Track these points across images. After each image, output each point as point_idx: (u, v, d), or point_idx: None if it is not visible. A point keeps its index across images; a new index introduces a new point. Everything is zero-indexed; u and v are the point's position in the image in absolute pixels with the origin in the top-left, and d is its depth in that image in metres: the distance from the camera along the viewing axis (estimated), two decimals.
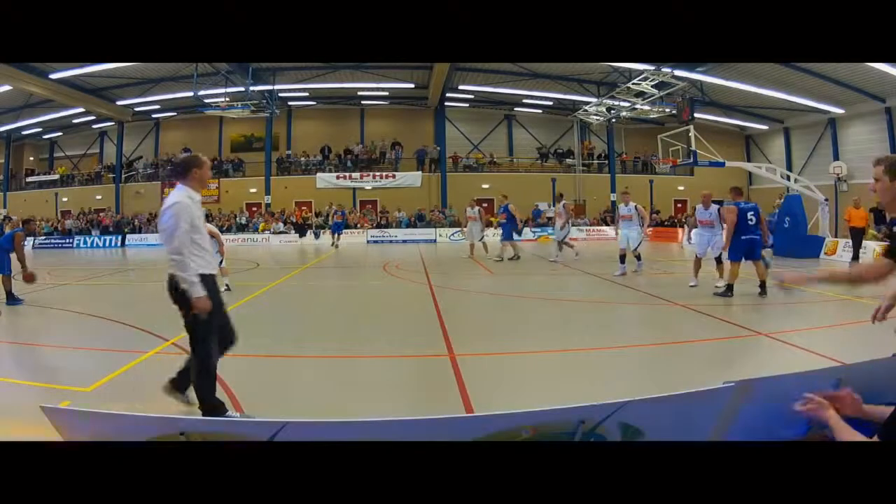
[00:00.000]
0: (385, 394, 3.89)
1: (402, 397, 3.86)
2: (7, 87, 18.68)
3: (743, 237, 7.47)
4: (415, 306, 7.47)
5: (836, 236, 15.15)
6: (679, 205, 25.87)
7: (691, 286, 8.30)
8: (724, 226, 7.84)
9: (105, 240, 22.63)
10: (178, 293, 3.10)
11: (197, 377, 3.19)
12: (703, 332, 5.59)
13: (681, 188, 26.14)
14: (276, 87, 21.96)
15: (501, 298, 8.16)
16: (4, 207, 25.92)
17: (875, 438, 1.53)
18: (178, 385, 3.40)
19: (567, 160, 26.27)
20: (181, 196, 3.18)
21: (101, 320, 6.46)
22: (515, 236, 13.69)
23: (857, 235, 12.58)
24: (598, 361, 4.54)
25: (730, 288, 7.45)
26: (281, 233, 22.75)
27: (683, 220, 23.09)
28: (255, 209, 24.98)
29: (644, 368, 4.41)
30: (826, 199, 16.09)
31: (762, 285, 7.49)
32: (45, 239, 22.82)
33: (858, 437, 1.55)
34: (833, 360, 4.17)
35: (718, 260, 8.25)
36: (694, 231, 8.85)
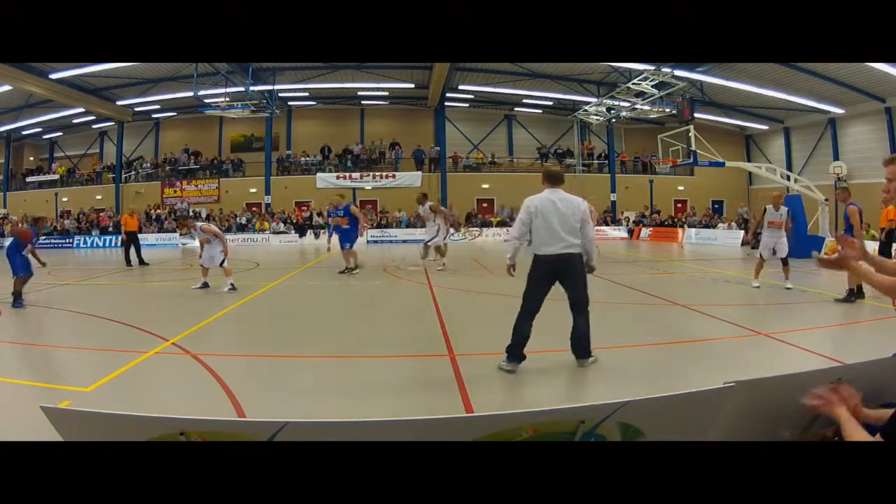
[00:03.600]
0: (385, 394, 3.89)
1: (402, 397, 3.86)
2: (7, 87, 18.69)
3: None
4: (415, 306, 7.47)
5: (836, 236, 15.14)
6: (679, 205, 25.89)
7: (755, 287, 8.31)
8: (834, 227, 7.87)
9: (105, 240, 22.62)
10: (584, 265, 4.24)
11: (588, 328, 4.23)
12: (703, 332, 5.59)
13: (681, 188, 26.17)
14: (276, 87, 21.97)
15: (501, 298, 8.14)
16: (4, 207, 25.93)
17: (877, 438, 1.53)
18: (582, 353, 4.25)
19: (567, 160, 26.28)
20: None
21: (101, 320, 6.46)
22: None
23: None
24: (598, 361, 4.53)
25: (851, 293, 7.14)
26: (281, 233, 22.75)
27: (683, 220, 23.10)
28: (255, 209, 25.00)
29: (644, 368, 4.41)
30: (826, 199, 16.09)
31: (859, 288, 7.20)
32: (44, 239, 22.82)
33: (867, 437, 1.54)
34: (833, 360, 4.17)
35: (785, 262, 8.34)
36: (763, 231, 8.71)
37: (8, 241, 8.01)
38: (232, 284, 8.44)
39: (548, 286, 4.24)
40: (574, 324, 4.26)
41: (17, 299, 7.38)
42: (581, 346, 4.26)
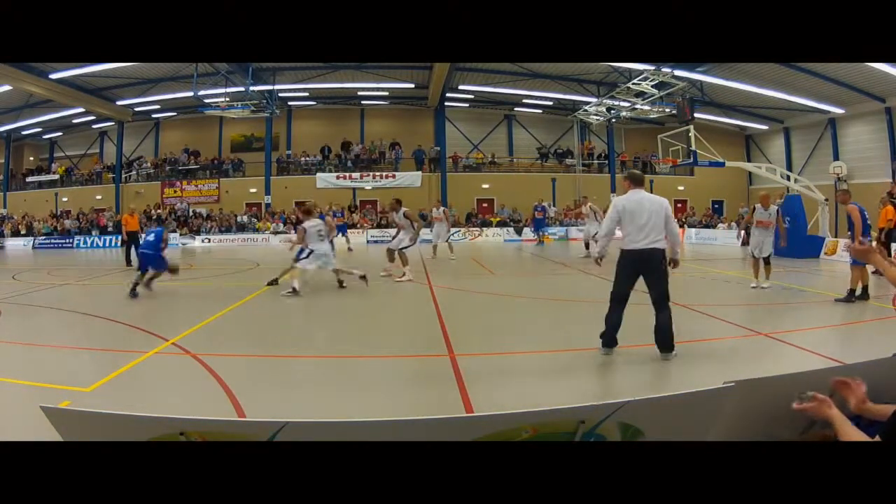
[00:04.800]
0: (385, 394, 3.89)
1: (402, 397, 3.86)
2: (7, 87, 18.67)
3: (867, 238, 7.30)
4: (415, 306, 7.47)
5: (836, 236, 15.15)
6: (679, 205, 25.86)
7: (752, 287, 8.34)
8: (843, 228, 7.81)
9: (105, 240, 22.62)
10: (665, 260, 4.51)
11: (670, 322, 4.46)
12: (703, 332, 5.59)
13: (681, 188, 26.15)
14: (276, 87, 21.94)
15: (501, 298, 8.15)
16: (4, 207, 25.93)
17: (876, 439, 1.53)
18: (665, 347, 4.46)
19: (567, 160, 26.28)
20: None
21: (101, 320, 6.45)
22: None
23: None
24: (598, 361, 4.53)
25: (852, 293, 7.08)
26: (280, 233, 22.73)
27: (683, 220, 23.09)
28: (255, 209, 24.99)
29: (644, 368, 4.40)
30: (826, 199, 16.09)
31: (864, 289, 7.19)
32: (45, 239, 22.84)
33: (862, 436, 1.54)
34: (833, 360, 4.17)
35: (767, 261, 8.37)
36: (753, 230, 8.82)
37: (150, 238, 8.69)
38: (294, 289, 8.05)
39: (632, 278, 4.57)
40: (656, 319, 4.50)
41: (134, 290, 8.15)
42: (664, 340, 4.48)
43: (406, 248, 9.97)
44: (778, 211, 8.51)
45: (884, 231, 11.05)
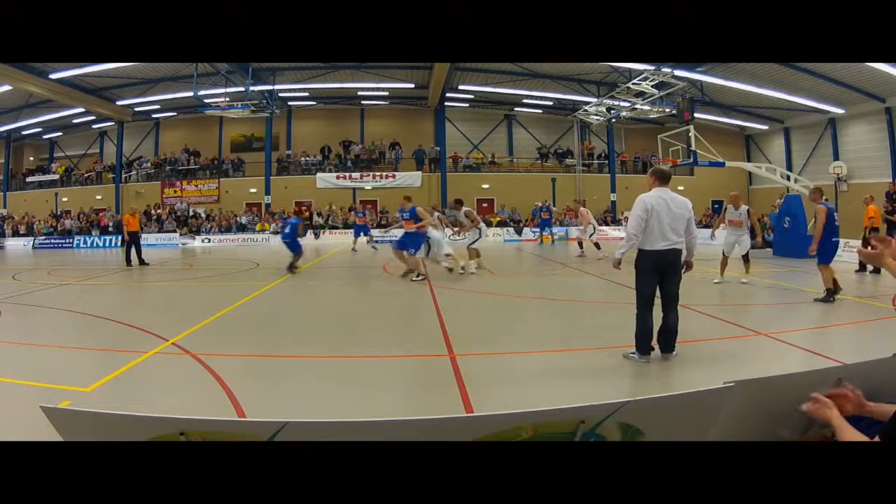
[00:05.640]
0: (385, 394, 3.89)
1: (402, 397, 3.86)
2: (7, 87, 18.68)
3: (833, 239, 7.33)
4: (415, 306, 7.47)
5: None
6: None
7: (715, 283, 8.63)
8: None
9: (105, 240, 22.62)
10: (682, 261, 4.49)
11: (677, 323, 4.46)
12: (703, 332, 5.59)
13: (681, 188, 26.07)
14: (276, 87, 21.96)
15: (501, 298, 8.15)
16: (4, 207, 25.93)
17: (876, 439, 1.53)
18: (668, 348, 4.45)
19: (567, 160, 26.28)
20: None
21: (101, 320, 6.46)
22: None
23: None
24: (598, 361, 4.53)
25: (830, 293, 7.00)
26: (280, 232, 22.75)
27: None
28: (255, 209, 24.99)
29: (644, 368, 4.40)
30: (826, 199, 16.08)
31: (834, 282, 7.13)
32: (45, 239, 22.84)
33: (861, 437, 1.54)
34: (833, 360, 4.17)
35: (746, 258, 8.63)
36: (722, 230, 9.16)
37: (287, 229, 11.28)
38: (420, 275, 9.28)
39: (656, 278, 4.43)
40: (665, 319, 4.44)
41: (292, 267, 10.72)
42: (669, 340, 4.44)
43: (475, 242, 11.08)
44: (748, 210, 8.78)
45: (867, 229, 11.17)
